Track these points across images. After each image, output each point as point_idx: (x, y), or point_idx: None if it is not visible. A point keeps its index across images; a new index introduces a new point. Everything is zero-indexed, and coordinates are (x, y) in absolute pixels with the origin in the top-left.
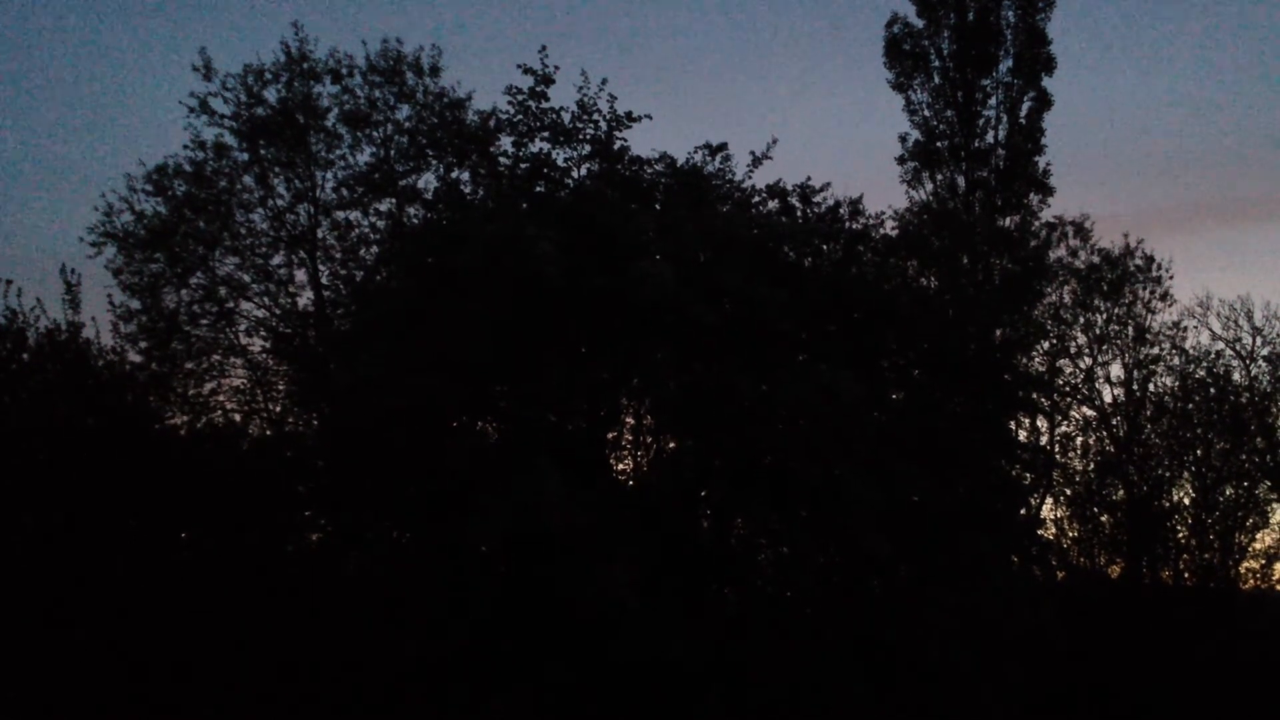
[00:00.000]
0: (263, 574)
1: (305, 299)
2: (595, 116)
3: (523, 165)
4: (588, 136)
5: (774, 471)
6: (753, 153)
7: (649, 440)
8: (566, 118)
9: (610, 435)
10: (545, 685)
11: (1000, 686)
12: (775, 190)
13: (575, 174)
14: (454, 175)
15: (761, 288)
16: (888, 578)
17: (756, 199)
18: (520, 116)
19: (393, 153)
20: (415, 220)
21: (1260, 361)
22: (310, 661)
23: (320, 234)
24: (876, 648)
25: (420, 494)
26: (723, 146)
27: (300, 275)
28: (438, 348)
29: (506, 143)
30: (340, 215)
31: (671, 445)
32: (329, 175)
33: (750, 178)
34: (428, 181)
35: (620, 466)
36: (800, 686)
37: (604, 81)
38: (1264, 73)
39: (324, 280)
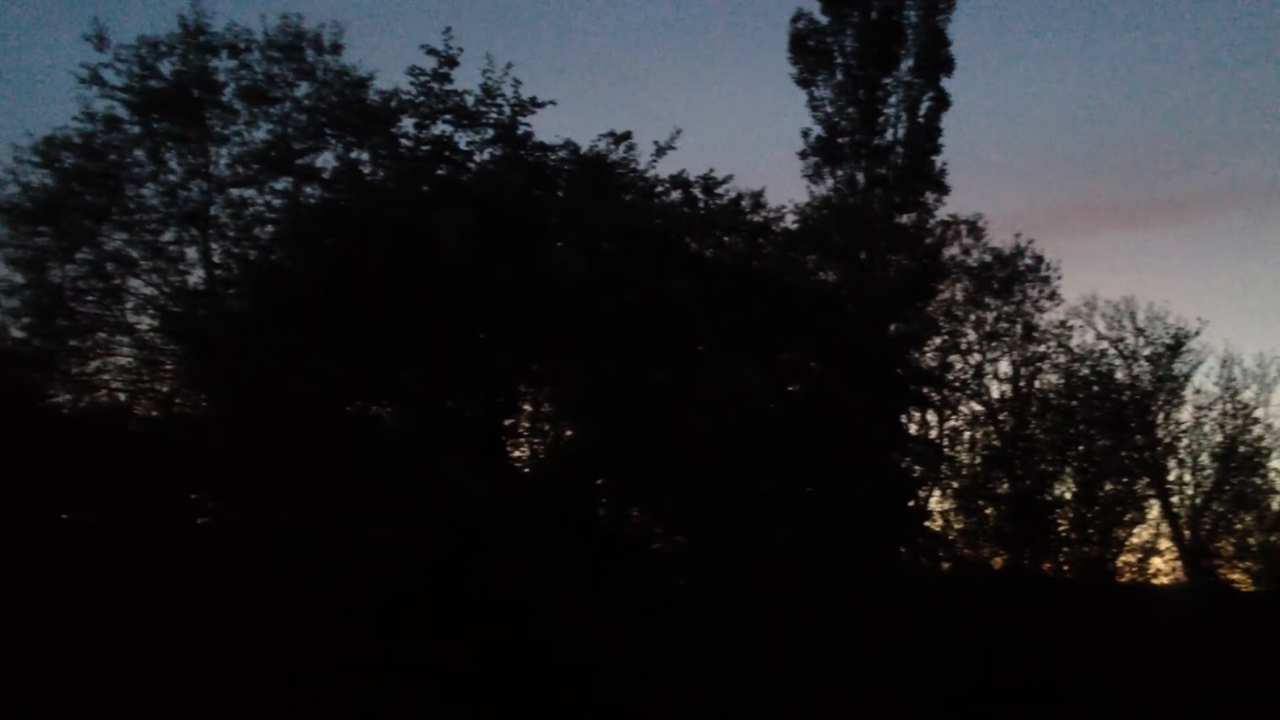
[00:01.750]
0: (150, 558)
1: (196, 277)
2: (499, 101)
3: (425, 147)
4: (491, 120)
5: (676, 460)
6: (656, 142)
7: (547, 428)
8: (470, 101)
9: (508, 422)
10: (454, 673)
11: (895, 674)
12: (679, 181)
13: (478, 158)
14: (354, 155)
15: (667, 278)
16: (788, 567)
17: (660, 189)
18: (423, 98)
19: (291, 130)
20: (313, 200)
21: (1142, 361)
22: (203, 650)
23: (214, 211)
24: (780, 637)
25: (318, 477)
26: (627, 135)
27: (192, 253)
28: (338, 332)
29: (409, 124)
30: (235, 193)
31: (569, 434)
32: (224, 151)
33: (654, 167)
34: (327, 161)
35: (516, 454)
36: (708, 676)
37: (509, 66)
38: (1156, 78)
39: (216, 259)
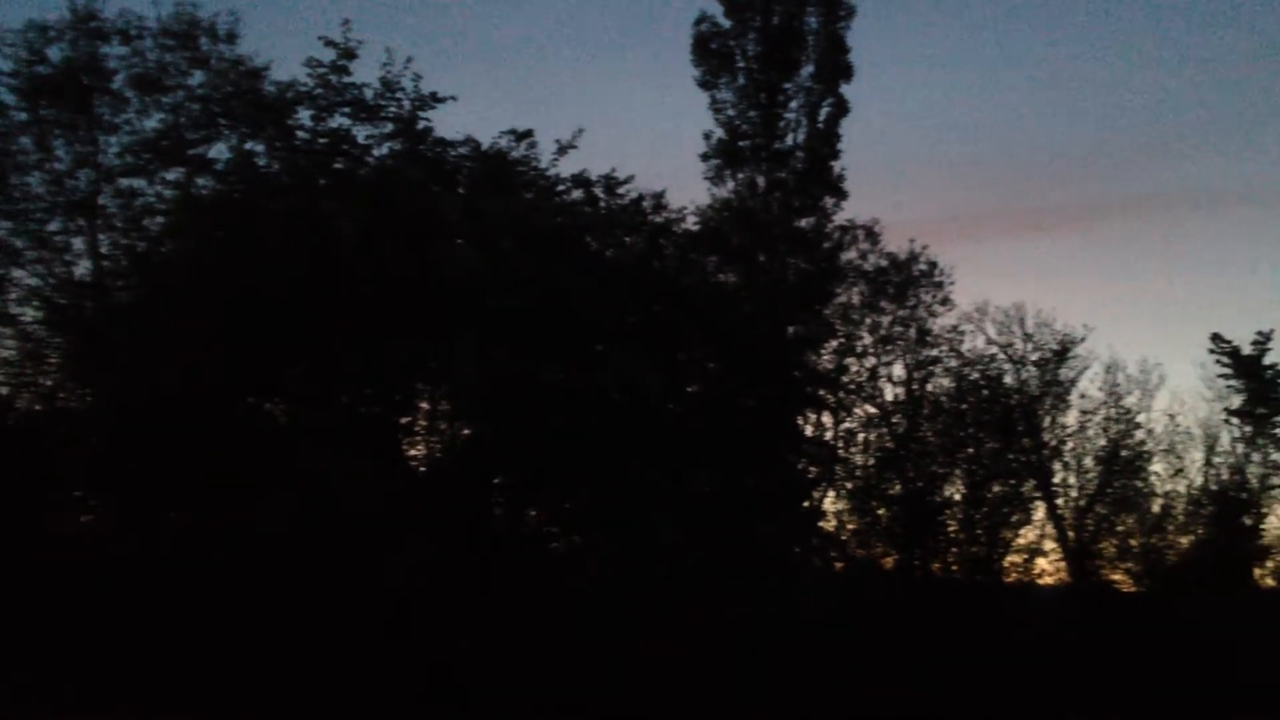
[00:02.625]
0: (29, 556)
1: (83, 268)
2: (399, 95)
3: (321, 140)
4: (391, 115)
5: (573, 460)
6: (558, 141)
7: (444, 427)
8: (369, 94)
9: (404, 420)
10: (338, 675)
11: (786, 670)
12: (580, 180)
13: (377, 152)
14: (248, 146)
15: (566, 277)
16: (682, 567)
17: (561, 187)
18: (321, 90)
19: (183, 120)
20: (205, 191)
21: (1030, 366)
22: (81, 649)
23: (102, 201)
24: (673, 635)
25: (206, 475)
26: (529, 133)
27: (78, 243)
28: (228, 326)
29: (305, 116)
30: (124, 182)
31: (466, 432)
32: (114, 140)
33: (555, 166)
34: (220, 152)
35: (413, 452)
36: (598, 682)
37: (409, 60)
38: (1050, 88)
39: (104, 249)
